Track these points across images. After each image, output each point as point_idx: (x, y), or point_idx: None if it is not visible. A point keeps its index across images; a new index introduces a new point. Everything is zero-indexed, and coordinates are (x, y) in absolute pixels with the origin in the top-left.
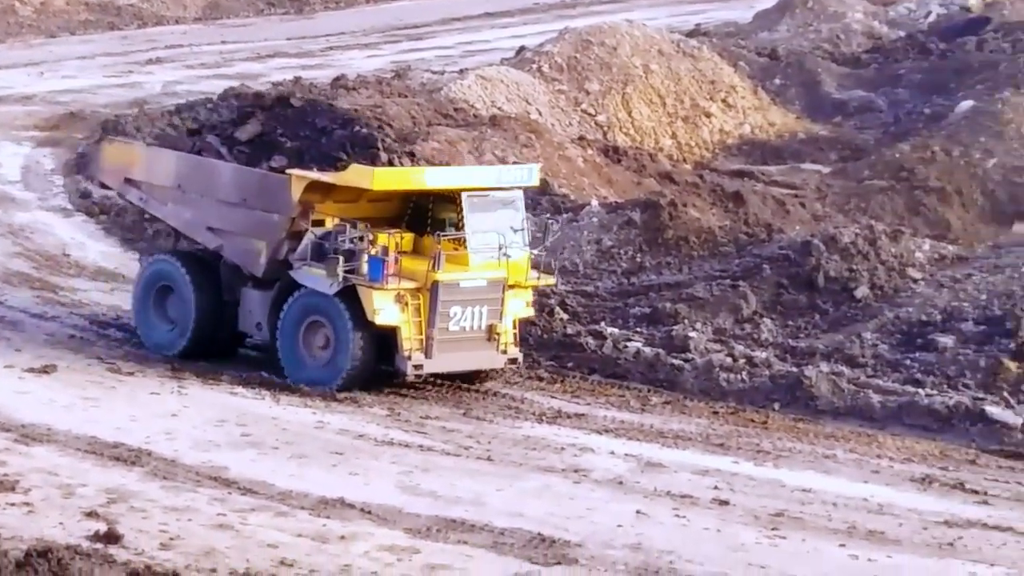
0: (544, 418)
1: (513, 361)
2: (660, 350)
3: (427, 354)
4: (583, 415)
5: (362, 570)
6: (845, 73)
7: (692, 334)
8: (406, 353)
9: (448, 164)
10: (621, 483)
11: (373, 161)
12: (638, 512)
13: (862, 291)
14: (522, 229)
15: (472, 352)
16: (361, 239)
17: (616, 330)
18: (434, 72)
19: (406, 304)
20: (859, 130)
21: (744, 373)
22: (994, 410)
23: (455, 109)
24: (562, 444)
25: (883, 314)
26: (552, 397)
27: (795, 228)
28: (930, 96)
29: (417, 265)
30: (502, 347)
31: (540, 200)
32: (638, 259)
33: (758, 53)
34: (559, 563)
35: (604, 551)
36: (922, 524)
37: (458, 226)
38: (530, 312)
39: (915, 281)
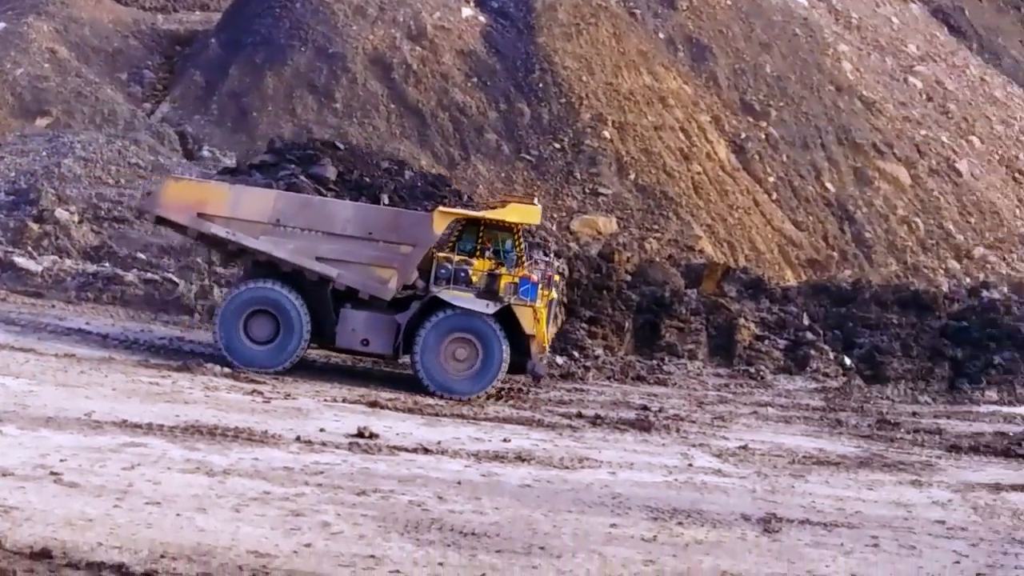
0: None
1: None
2: None
3: (546, 354)
4: None
5: None
6: None
7: None
8: (540, 356)
9: None
10: None
11: (460, 197)
12: None
13: None
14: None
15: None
16: (502, 266)
17: None
18: None
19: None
20: None
21: None
22: (21, 260)
23: None
24: None
25: None
26: None
27: None
28: None
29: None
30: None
31: None
32: None
33: None
34: None
35: None
36: None
37: (517, 254)
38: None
39: None
